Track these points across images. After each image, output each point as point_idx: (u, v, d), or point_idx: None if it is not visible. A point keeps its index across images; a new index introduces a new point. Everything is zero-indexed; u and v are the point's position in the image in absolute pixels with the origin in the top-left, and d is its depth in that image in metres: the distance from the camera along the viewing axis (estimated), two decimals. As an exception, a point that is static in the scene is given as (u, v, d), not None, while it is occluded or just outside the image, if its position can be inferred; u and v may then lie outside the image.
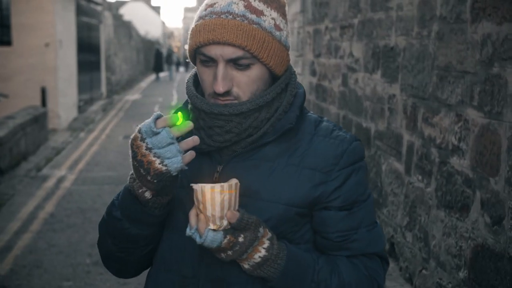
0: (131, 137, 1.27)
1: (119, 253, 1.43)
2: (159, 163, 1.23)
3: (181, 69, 44.05)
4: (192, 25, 1.37)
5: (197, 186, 1.24)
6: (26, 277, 4.88)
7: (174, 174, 1.25)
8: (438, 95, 3.91)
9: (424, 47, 4.17)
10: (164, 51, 39.59)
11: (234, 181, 1.26)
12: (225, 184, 1.24)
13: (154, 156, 1.23)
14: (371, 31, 5.37)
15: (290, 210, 1.35)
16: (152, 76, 34.30)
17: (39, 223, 6.30)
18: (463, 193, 3.51)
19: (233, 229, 1.25)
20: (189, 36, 1.37)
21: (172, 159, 1.23)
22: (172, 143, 1.24)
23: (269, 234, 1.30)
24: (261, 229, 1.28)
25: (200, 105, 1.36)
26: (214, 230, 1.24)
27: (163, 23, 67.30)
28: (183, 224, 1.33)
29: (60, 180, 8.36)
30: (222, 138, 1.36)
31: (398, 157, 4.68)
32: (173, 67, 36.98)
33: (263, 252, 1.28)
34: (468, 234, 3.43)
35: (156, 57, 32.54)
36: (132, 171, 1.30)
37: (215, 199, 1.22)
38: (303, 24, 8.41)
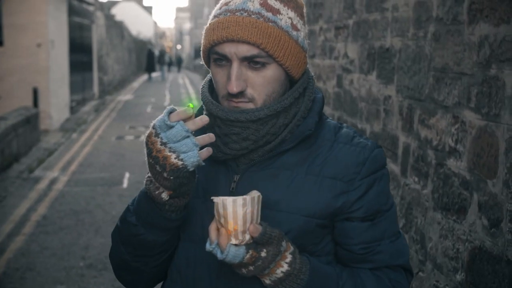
0: (146, 134, 1.22)
1: (133, 263, 1.38)
2: (175, 158, 1.18)
3: (174, 69, 43.99)
4: (207, 25, 1.33)
5: (218, 199, 1.17)
6: (19, 280, 4.84)
7: (191, 169, 1.19)
8: (434, 96, 3.90)
9: (420, 48, 4.15)
10: (156, 51, 39.52)
11: (256, 193, 1.20)
12: (248, 197, 1.17)
13: (169, 151, 1.18)
14: (366, 32, 5.36)
15: (310, 221, 1.30)
16: (144, 76, 34.26)
17: (32, 226, 6.25)
18: (460, 195, 3.50)
19: (255, 243, 1.19)
20: (203, 36, 1.32)
21: (188, 153, 1.18)
22: (188, 137, 1.19)
23: (292, 248, 1.24)
24: (283, 243, 1.22)
25: (216, 111, 1.31)
26: (236, 245, 1.17)
27: (155, 23, 67.17)
28: (200, 236, 1.29)
29: (53, 181, 8.30)
30: (239, 145, 1.31)
31: (394, 159, 4.66)
32: (165, 67, 36.93)
33: (285, 267, 1.22)
34: (466, 236, 3.42)
35: (148, 57, 32.50)
36: (148, 171, 1.25)
37: (237, 213, 1.16)
38: (297, 24, 8.39)
